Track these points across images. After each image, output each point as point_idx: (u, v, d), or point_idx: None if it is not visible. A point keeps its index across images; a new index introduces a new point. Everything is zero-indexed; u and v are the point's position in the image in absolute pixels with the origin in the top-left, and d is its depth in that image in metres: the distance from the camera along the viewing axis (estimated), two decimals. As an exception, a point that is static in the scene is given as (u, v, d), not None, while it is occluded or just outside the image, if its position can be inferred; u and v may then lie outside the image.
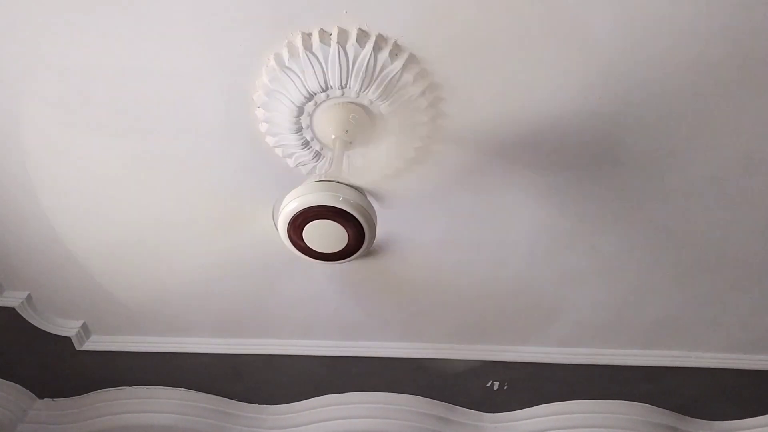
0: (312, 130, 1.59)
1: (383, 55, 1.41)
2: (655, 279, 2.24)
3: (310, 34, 1.39)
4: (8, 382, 2.82)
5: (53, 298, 2.38)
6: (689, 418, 3.06)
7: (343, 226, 1.34)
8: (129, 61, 1.47)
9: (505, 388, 2.87)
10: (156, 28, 1.39)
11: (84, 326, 2.55)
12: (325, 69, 1.43)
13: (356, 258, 1.45)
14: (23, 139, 1.70)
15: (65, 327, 2.52)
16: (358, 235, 1.37)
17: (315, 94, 1.48)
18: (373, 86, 1.45)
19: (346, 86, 1.46)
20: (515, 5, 1.33)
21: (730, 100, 1.55)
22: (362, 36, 1.39)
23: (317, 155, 1.67)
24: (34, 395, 2.92)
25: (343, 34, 1.39)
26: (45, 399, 2.95)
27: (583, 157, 1.73)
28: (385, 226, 1.96)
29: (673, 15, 1.34)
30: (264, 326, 2.56)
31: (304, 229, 1.35)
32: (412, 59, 1.44)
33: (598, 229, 2.01)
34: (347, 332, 2.60)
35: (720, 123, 1.61)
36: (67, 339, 2.54)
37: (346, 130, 1.50)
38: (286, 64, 1.43)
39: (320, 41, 1.39)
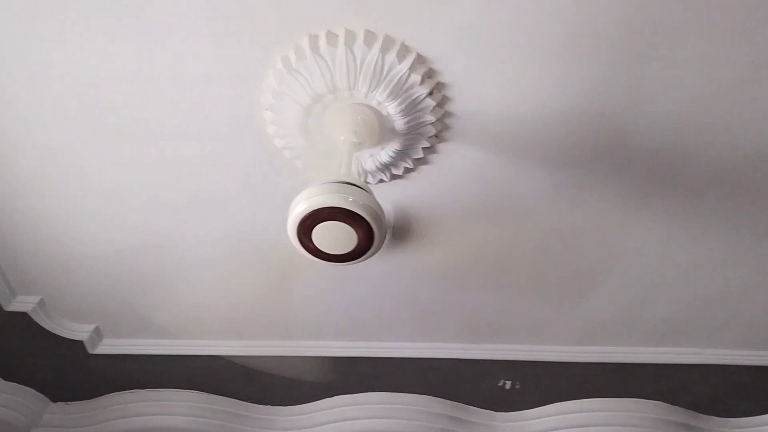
0: (320, 132, 1.59)
1: (391, 56, 1.40)
2: (667, 276, 2.23)
3: (317, 36, 1.39)
4: (22, 386, 2.84)
5: (65, 303, 2.39)
6: (703, 415, 3.05)
7: (352, 227, 1.34)
8: (136, 66, 1.48)
9: (517, 387, 2.87)
10: (163, 32, 1.40)
11: (96, 330, 2.56)
12: (332, 71, 1.43)
13: (366, 259, 1.45)
14: (34, 145, 1.71)
15: (78, 331, 2.53)
16: (368, 237, 1.36)
17: (323, 96, 1.48)
18: (381, 87, 1.45)
19: (353, 88, 1.46)
20: (522, 4, 1.32)
21: (739, 96, 1.53)
22: (370, 37, 1.38)
23: (326, 157, 1.67)
24: (47, 399, 2.95)
25: (350, 36, 1.38)
26: (59, 403, 2.97)
27: (592, 155, 1.72)
28: (394, 226, 1.97)
29: (679, 13, 1.33)
30: (275, 328, 2.56)
31: (314, 230, 1.34)
32: (419, 60, 1.44)
33: (608, 227, 2.00)
34: (358, 333, 2.60)
35: (729, 119, 1.60)
36: (80, 343, 2.55)
37: (355, 132, 1.50)
38: (294, 66, 1.43)
39: (327, 43, 1.38)
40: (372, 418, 2.97)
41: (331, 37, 1.39)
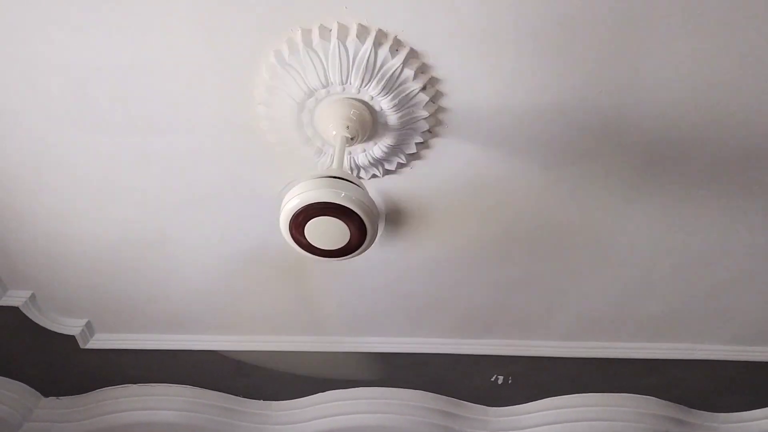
0: (313, 127, 1.58)
1: (384, 50, 1.40)
2: (659, 271, 2.24)
3: (310, 31, 1.39)
4: (14, 381, 2.83)
5: (57, 297, 2.39)
6: (694, 410, 3.07)
7: (345, 222, 1.33)
8: (129, 59, 1.47)
9: (510, 382, 2.88)
10: (156, 25, 1.39)
11: (88, 324, 2.55)
12: (325, 65, 1.42)
13: (359, 254, 1.44)
14: (24, 138, 1.70)
15: (69, 326, 2.52)
16: (361, 232, 1.36)
17: (316, 90, 1.48)
18: (374, 82, 1.45)
19: (346, 82, 1.45)
20: (516, -2, 1.32)
21: (733, 91, 1.53)
22: (362, 31, 1.38)
23: (319, 151, 1.66)
24: (39, 394, 2.94)
25: (343, 30, 1.38)
26: (50, 397, 2.96)
27: (585, 150, 1.72)
28: (387, 221, 1.97)
29: (674, 7, 1.33)
30: (267, 322, 2.56)
31: (306, 226, 1.34)
32: (412, 54, 1.43)
33: (600, 223, 2.01)
34: (351, 328, 2.60)
35: (723, 114, 1.60)
36: (72, 337, 2.54)
37: (347, 126, 1.49)
38: (287, 60, 1.43)
39: (320, 37, 1.38)
40: (364, 413, 2.97)
41: (324, 31, 1.38)
